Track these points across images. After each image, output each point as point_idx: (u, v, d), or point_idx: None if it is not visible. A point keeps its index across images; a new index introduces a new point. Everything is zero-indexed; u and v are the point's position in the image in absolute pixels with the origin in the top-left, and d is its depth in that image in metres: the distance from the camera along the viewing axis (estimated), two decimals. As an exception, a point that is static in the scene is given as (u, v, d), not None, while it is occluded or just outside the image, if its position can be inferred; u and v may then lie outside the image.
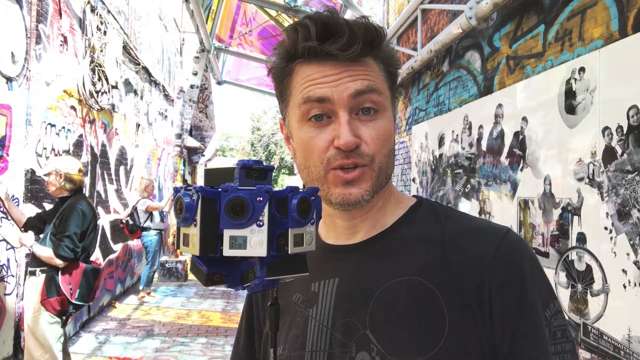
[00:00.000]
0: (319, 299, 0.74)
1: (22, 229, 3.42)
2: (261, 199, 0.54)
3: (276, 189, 0.56)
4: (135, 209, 7.09)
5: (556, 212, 2.90)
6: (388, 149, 0.71)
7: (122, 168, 7.09)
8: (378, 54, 0.72)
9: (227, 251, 0.53)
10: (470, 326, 0.64)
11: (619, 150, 2.36)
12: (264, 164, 0.58)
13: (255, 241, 0.53)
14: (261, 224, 0.54)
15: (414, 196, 0.81)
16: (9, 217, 3.52)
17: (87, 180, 5.52)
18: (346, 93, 0.68)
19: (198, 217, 0.53)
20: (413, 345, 0.65)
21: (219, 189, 0.55)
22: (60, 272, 3.14)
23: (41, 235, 3.33)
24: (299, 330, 0.75)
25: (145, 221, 7.16)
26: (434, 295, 0.66)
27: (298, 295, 0.78)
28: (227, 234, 0.53)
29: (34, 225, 3.42)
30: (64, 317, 3.24)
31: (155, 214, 7.29)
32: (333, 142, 0.68)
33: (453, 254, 0.68)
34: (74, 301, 3.16)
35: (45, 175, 3.32)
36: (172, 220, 10.53)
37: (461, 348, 0.63)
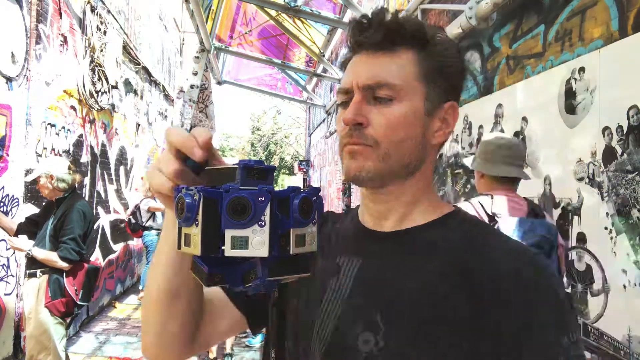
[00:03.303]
0: (341, 273, 0.76)
1: (15, 237, 3.33)
2: (263, 199, 0.53)
3: (277, 189, 0.56)
4: (138, 208, 7.09)
5: (556, 212, 2.90)
6: (401, 136, 0.72)
7: (122, 168, 7.08)
8: (422, 46, 0.74)
9: (229, 251, 0.53)
10: (481, 335, 0.64)
11: (619, 150, 2.35)
12: (265, 164, 0.58)
13: (257, 241, 0.53)
14: (263, 224, 0.53)
15: (453, 206, 0.82)
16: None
17: (87, 180, 5.52)
18: (359, 79, 0.73)
19: (199, 217, 0.53)
20: (419, 338, 0.66)
21: (221, 189, 0.54)
22: (64, 273, 3.11)
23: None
24: (316, 296, 0.77)
25: (147, 220, 7.15)
26: (450, 298, 0.67)
27: (324, 263, 0.79)
28: (229, 234, 0.53)
29: (26, 230, 3.34)
30: (67, 319, 3.22)
31: (158, 214, 7.28)
32: None
33: (477, 266, 0.68)
34: (78, 302, 3.15)
35: (34, 180, 3.26)
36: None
37: (467, 352, 0.64)
